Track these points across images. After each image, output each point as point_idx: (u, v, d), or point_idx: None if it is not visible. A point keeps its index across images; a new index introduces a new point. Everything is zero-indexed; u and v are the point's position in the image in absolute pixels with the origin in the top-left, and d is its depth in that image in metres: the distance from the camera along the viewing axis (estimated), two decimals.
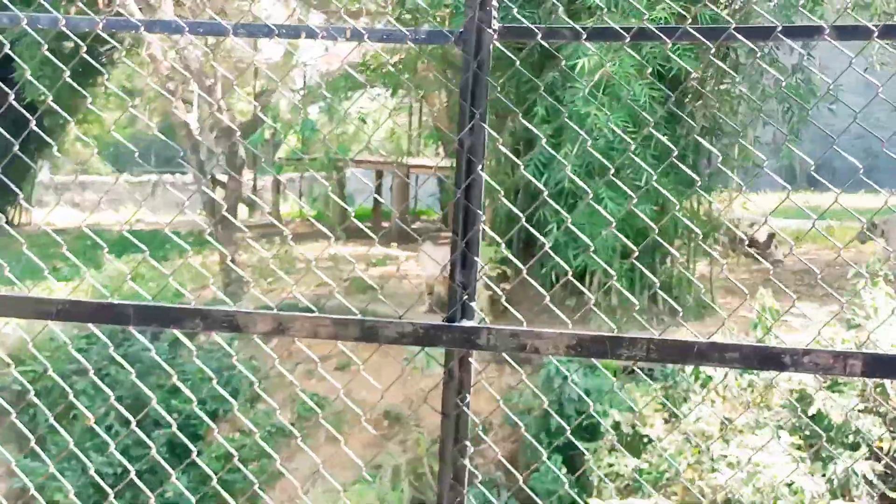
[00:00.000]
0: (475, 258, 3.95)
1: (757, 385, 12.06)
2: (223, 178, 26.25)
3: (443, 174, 27.02)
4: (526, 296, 16.71)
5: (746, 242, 20.91)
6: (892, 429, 11.90)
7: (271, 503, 14.84)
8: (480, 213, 3.87)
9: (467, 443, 3.98)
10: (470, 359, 4.02)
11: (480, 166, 3.80)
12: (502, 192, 16.07)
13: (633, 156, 14.15)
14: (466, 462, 3.95)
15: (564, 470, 12.86)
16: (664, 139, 12.54)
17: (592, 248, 14.13)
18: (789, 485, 10.94)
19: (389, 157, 26.41)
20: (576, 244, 14.39)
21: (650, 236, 15.42)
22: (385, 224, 27.94)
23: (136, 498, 14.61)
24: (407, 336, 3.68)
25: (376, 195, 28.00)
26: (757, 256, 20.88)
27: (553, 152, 14.11)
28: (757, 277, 20.08)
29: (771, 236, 22.02)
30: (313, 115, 21.67)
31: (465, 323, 3.86)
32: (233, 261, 19.99)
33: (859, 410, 11.66)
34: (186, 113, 20.03)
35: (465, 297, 3.90)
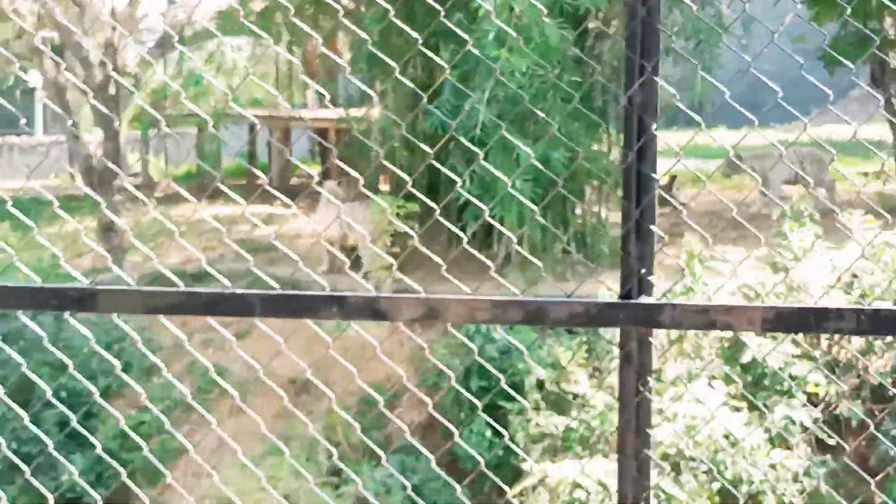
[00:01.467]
0: (651, 227, 3.60)
1: (687, 335, 11.91)
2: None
3: (321, 126, 26.45)
4: (434, 251, 16.35)
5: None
6: (826, 374, 11.88)
7: (174, 482, 14.31)
8: (655, 177, 3.52)
9: (650, 431, 3.56)
10: (650, 338, 3.53)
11: (654, 126, 3.42)
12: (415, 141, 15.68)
13: (540, 100, 13.90)
14: (650, 453, 3.52)
15: (490, 433, 12.59)
16: (572, 81, 12.32)
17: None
18: (726, 436, 10.85)
19: (267, 111, 25.78)
20: (489, 196, 14.07)
21: (560, 185, 15.22)
22: (261, 181, 27.27)
23: (28, 484, 13.95)
24: (578, 317, 3.23)
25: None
26: (668, 198, 20.75)
27: (467, 93, 13.74)
28: (664, 221, 19.99)
29: (672, 178, 22.00)
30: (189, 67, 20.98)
31: (644, 299, 3.42)
32: (111, 225, 19.20)
33: (794, 356, 11.60)
34: (54, 70, 19.16)
35: (643, 270, 3.49)
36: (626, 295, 3.45)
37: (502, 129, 13.95)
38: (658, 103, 3.39)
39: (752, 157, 20.64)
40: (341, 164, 24.01)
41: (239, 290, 3.44)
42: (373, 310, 3.30)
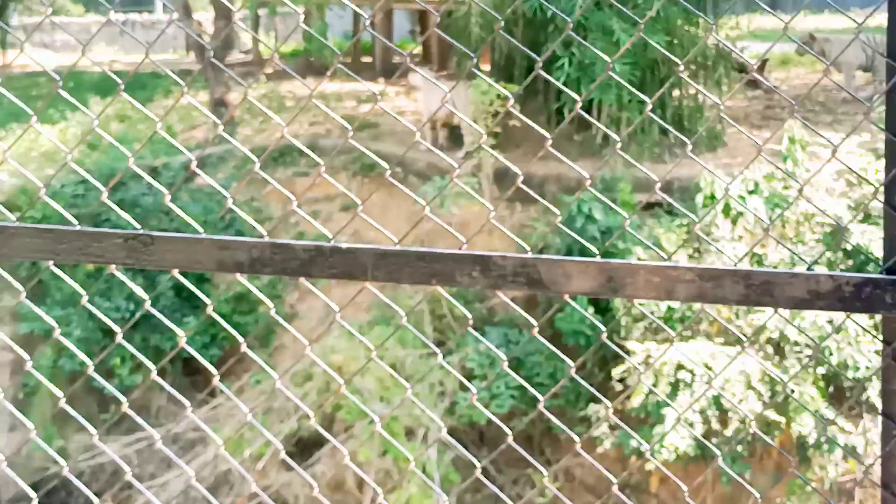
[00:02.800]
0: None
1: (790, 219, 11.64)
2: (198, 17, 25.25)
3: (420, 8, 26.03)
4: (530, 132, 16.15)
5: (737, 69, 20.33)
6: None
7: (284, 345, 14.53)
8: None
9: None
10: None
11: None
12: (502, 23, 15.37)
13: None
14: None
15: (592, 310, 12.50)
16: None
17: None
18: (829, 321, 10.63)
19: None
20: (588, 79, 13.79)
21: (665, 69, 14.87)
22: (365, 59, 27.01)
23: (145, 341, 14.22)
24: (824, 297, 2.24)
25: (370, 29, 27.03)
26: (760, 79, 20.24)
27: None
28: (755, 105, 19.58)
29: (764, 62, 21.42)
30: None
31: None
32: (223, 101, 19.22)
33: None
34: None
35: None
36: (891, 269, 2.32)
37: (600, 17, 13.63)
38: None
39: (822, 39, 19.85)
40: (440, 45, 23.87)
41: (345, 245, 2.57)
42: (528, 278, 2.42)
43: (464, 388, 12.81)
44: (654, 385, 10.51)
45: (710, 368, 10.18)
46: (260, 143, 17.99)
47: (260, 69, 25.49)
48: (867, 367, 10.57)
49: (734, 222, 11.72)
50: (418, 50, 27.71)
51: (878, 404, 10.27)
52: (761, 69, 20.85)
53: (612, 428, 11.77)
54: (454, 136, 16.84)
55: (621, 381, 11.84)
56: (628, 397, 11.19)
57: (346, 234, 13.60)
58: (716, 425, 10.71)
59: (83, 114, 19.42)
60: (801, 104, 19.44)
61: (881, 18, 2.27)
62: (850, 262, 11.60)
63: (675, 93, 15.94)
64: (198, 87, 22.12)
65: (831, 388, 11.14)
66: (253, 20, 27.88)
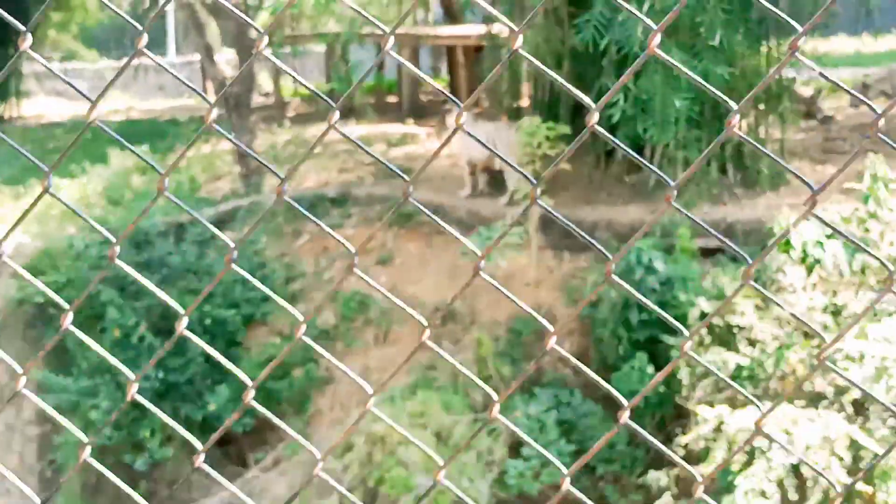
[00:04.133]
0: None
1: (872, 265, 11.02)
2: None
3: (447, 42, 25.62)
4: (580, 174, 15.62)
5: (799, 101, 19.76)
6: None
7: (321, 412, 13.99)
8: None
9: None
10: None
11: None
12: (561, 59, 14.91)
13: (700, 11, 13.01)
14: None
15: (651, 369, 11.90)
16: None
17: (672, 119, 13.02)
18: None
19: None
20: (645, 116, 13.25)
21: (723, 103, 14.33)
22: (390, 99, 26.54)
23: (176, 411, 13.73)
24: None
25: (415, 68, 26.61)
26: (817, 113, 19.66)
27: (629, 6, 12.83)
28: (814, 138, 18.98)
29: (817, 91, 20.84)
30: None
31: None
32: (250, 149, 18.77)
33: None
34: None
35: None
36: None
37: (662, 43, 13.11)
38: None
39: (879, 80, 19.31)
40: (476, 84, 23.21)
41: None
42: None
43: (513, 456, 12.22)
44: (728, 452, 9.87)
45: (789, 434, 9.55)
46: (289, 193, 17.50)
47: (282, 112, 25.10)
48: None
49: (810, 270, 11.11)
50: (444, 86, 27.32)
51: None
52: (814, 99, 20.26)
53: (676, 498, 11.17)
54: (495, 182, 16.29)
55: (684, 446, 11.25)
56: (696, 461, 10.60)
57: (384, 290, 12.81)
58: (793, 495, 10.06)
59: (103, 166, 19.07)
60: (864, 136, 18.89)
61: None
62: None
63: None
64: (219, 135, 21.73)
65: None
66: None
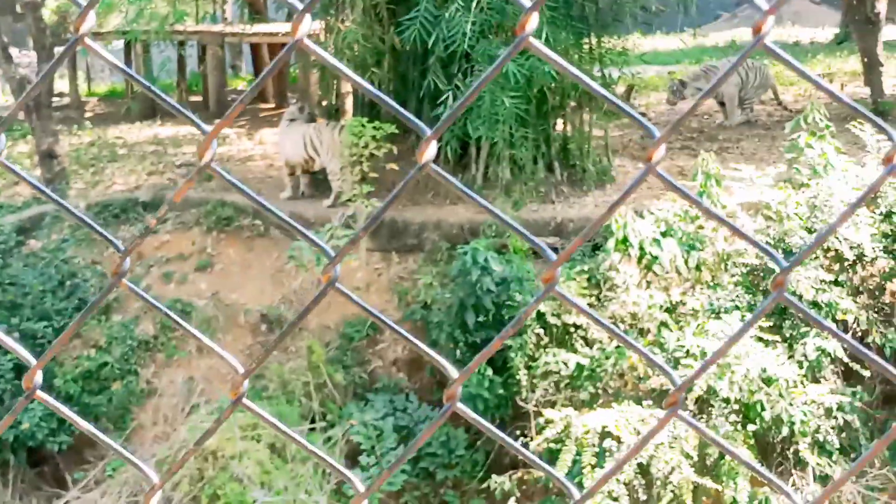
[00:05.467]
0: None
1: (708, 262, 11.35)
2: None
3: (254, 40, 25.34)
4: (406, 175, 15.58)
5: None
6: (856, 299, 11.41)
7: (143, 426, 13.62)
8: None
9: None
10: None
11: None
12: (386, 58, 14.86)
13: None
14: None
15: (491, 371, 11.97)
16: None
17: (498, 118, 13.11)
18: (765, 379, 10.37)
19: (201, 26, 24.66)
20: (473, 114, 13.32)
21: (552, 100, 14.57)
22: (194, 98, 26.01)
23: None
24: None
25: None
26: (630, 111, 20.07)
27: None
28: (631, 134, 19.43)
29: (630, 87, 21.37)
30: None
31: None
32: (51, 153, 18.08)
33: (826, 282, 11.10)
34: None
35: None
36: None
37: (488, 41, 13.25)
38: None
39: (694, 75, 20.01)
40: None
41: None
42: None
43: (351, 466, 12.14)
44: (579, 454, 10.01)
45: (639, 433, 9.76)
46: (97, 197, 16.98)
47: (80, 113, 24.35)
48: (802, 422, 10.33)
49: (648, 268, 11.38)
50: (248, 85, 27.00)
51: (809, 459, 9.99)
52: (627, 95, 20.74)
53: (520, 502, 11.30)
54: (317, 183, 16.12)
55: (524, 447, 11.34)
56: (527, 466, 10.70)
57: (206, 296, 12.64)
58: (642, 495, 10.28)
59: None
60: (679, 133, 19.47)
61: None
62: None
63: (560, 126, 15.65)
64: (16, 137, 21.00)
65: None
66: (70, 59, 26.69)
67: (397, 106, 1.36)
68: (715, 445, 9.85)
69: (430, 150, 1.36)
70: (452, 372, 1.44)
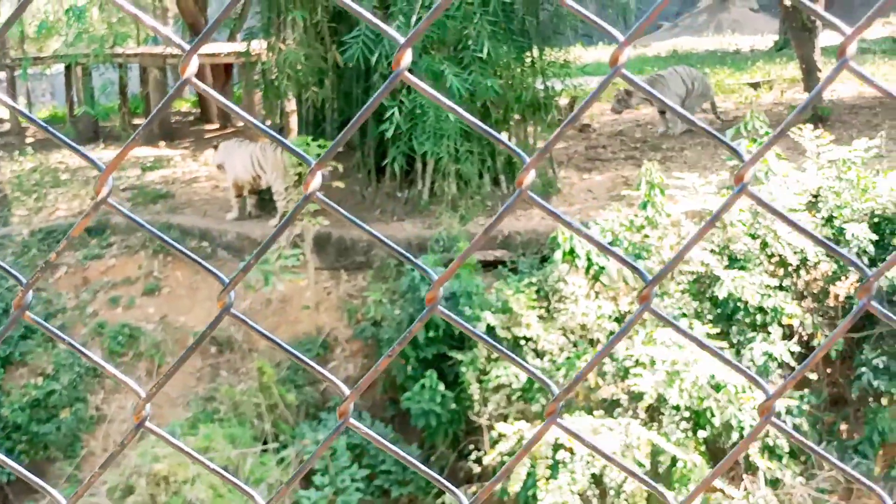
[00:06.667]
0: None
1: (654, 271, 11.44)
2: None
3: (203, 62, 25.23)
4: (352, 192, 15.67)
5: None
6: (801, 303, 11.57)
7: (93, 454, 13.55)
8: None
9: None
10: None
11: None
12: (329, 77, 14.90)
13: (468, 23, 13.29)
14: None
15: (442, 386, 12.01)
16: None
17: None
18: (714, 386, 10.49)
19: (143, 49, 24.57)
20: (418, 130, 13.39)
21: (496, 113, 14.66)
22: (137, 121, 25.89)
23: None
24: None
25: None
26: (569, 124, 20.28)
27: None
28: (574, 146, 19.55)
29: (573, 99, 21.52)
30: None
31: None
32: None
33: (771, 287, 11.25)
34: None
35: None
36: None
37: (431, 56, 13.33)
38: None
39: (656, 77, 20.22)
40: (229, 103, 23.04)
41: None
42: None
43: (305, 486, 12.14)
44: (533, 467, 10.08)
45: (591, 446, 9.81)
46: (40, 223, 16.88)
47: (21, 138, 24.18)
48: (752, 426, 10.43)
49: (596, 278, 11.48)
50: (192, 107, 26.96)
51: (760, 463, 10.10)
52: (570, 107, 20.87)
53: None
54: (263, 203, 16.11)
55: (478, 461, 11.43)
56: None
57: (154, 320, 12.62)
58: None
59: None
60: (622, 143, 19.65)
61: None
62: (719, 311, 11.51)
63: (505, 139, 15.72)
64: None
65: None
66: (9, 81, 26.51)
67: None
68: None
69: (315, 182, 1.42)
70: (344, 389, 1.49)
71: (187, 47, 1.33)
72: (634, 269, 1.44)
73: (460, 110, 1.45)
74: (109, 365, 1.62)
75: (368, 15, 1.40)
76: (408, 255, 1.49)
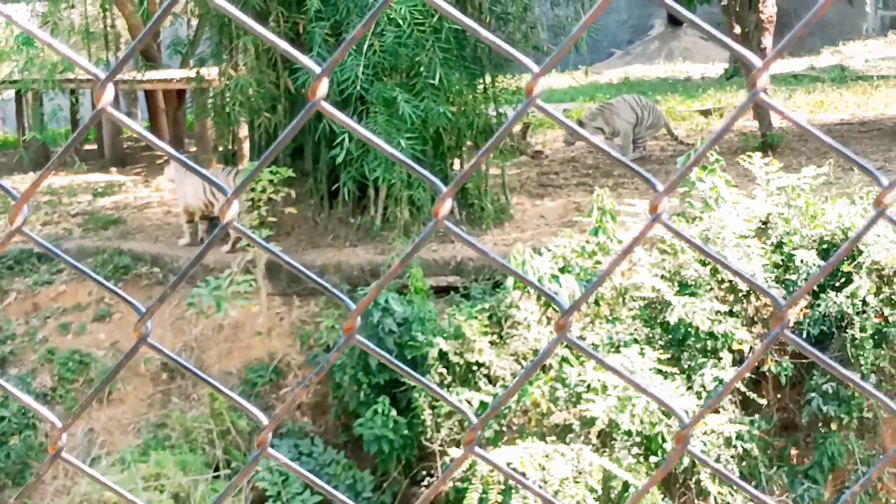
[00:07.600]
0: None
1: (604, 297, 11.50)
2: None
3: (149, 87, 25.17)
4: (304, 217, 15.63)
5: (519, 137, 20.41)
6: (751, 329, 11.64)
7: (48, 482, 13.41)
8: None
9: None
10: None
11: None
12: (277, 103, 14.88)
13: (420, 50, 13.33)
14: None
15: (395, 412, 11.98)
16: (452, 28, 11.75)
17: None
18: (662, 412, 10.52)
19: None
20: (370, 156, 13.40)
21: (448, 140, 14.70)
22: (88, 147, 25.76)
23: None
24: None
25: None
26: (527, 149, 20.39)
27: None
28: (526, 172, 19.62)
29: (526, 126, 21.59)
30: None
31: None
32: None
33: (721, 313, 11.32)
34: None
35: None
36: None
37: (383, 83, 13.35)
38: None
39: (591, 114, 20.40)
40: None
41: None
42: None
43: None
44: (485, 493, 10.07)
45: (544, 469, 9.85)
46: None
47: None
48: (703, 452, 10.48)
49: (548, 304, 11.51)
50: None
51: (711, 489, 10.13)
52: (524, 134, 20.95)
53: None
54: (214, 229, 16.03)
55: (429, 487, 11.41)
56: None
57: (105, 346, 12.49)
58: None
59: None
60: (574, 169, 19.73)
61: None
62: (670, 337, 11.57)
63: (458, 165, 15.78)
64: None
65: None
66: None
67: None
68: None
69: (232, 211, 1.43)
70: (262, 419, 1.49)
71: (102, 76, 1.33)
72: (551, 299, 1.45)
73: (379, 141, 1.47)
74: (25, 395, 1.61)
75: (284, 44, 1.41)
76: (325, 283, 1.49)
